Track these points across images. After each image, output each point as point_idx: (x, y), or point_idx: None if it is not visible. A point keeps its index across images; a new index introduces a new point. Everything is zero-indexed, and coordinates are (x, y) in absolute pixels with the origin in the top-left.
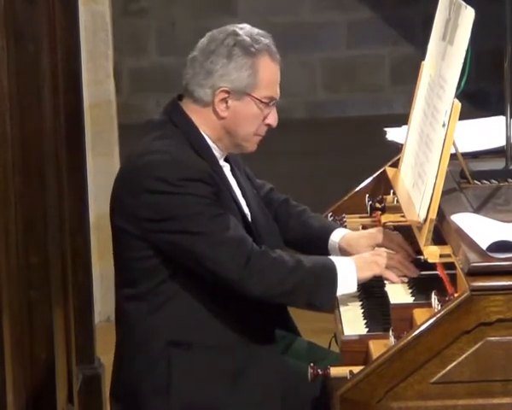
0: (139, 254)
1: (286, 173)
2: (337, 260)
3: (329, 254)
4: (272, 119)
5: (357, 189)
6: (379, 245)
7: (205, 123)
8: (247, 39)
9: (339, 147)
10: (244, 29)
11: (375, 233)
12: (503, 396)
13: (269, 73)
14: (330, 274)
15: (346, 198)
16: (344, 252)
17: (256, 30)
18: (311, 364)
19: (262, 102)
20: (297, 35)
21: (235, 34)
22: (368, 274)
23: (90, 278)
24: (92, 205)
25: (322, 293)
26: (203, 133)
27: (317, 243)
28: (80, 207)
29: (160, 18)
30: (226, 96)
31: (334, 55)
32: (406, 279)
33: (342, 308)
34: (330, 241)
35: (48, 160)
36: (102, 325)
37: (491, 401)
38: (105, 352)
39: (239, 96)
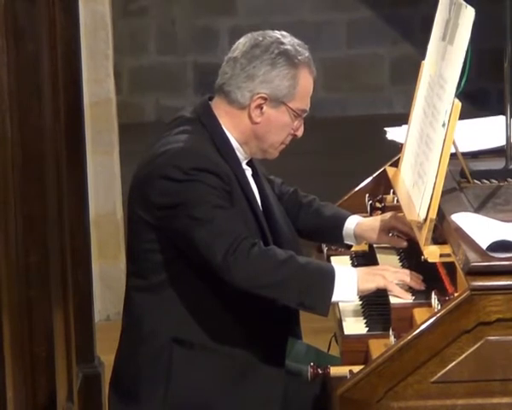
0: (152, 245)
1: (285, 172)
2: (339, 266)
3: (344, 242)
4: (300, 130)
5: (357, 188)
6: (393, 228)
7: (234, 125)
8: (292, 50)
9: (339, 146)
10: (286, 38)
11: (389, 218)
12: (503, 396)
13: (306, 85)
14: (326, 277)
15: (346, 198)
16: (359, 238)
17: (297, 40)
18: (311, 363)
19: (296, 113)
20: (296, 35)
21: (280, 43)
22: (371, 286)
23: (90, 276)
24: (92, 204)
25: (314, 294)
26: (229, 135)
27: (331, 231)
28: (80, 206)
29: (160, 17)
30: (263, 102)
31: (333, 55)
32: (412, 297)
33: (342, 308)
34: (345, 228)
35: (48, 159)
36: (102, 323)
37: (490, 401)
38: (105, 351)
39: (275, 105)
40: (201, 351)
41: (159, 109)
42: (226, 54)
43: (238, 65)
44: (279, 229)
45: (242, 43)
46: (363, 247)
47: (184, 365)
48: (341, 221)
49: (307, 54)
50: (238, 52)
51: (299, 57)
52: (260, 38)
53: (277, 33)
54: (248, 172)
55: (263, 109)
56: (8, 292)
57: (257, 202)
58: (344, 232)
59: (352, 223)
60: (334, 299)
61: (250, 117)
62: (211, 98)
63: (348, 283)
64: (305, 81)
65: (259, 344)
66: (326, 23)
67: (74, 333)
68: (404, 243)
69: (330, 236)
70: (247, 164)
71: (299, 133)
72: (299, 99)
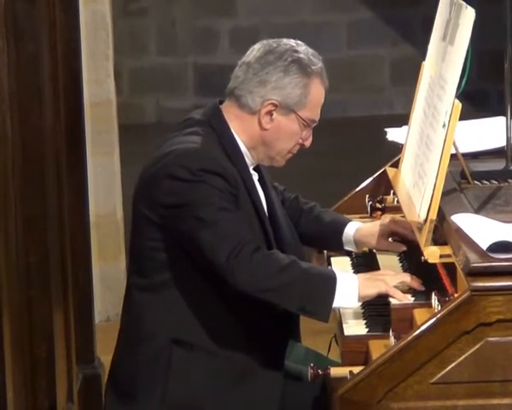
0: (156, 244)
1: (286, 173)
2: (340, 272)
3: (343, 248)
4: (308, 140)
5: (358, 189)
6: (393, 233)
7: (244, 129)
8: (305, 59)
9: (339, 147)
10: (301, 46)
11: (388, 223)
12: (503, 397)
13: (318, 95)
14: (327, 283)
15: (346, 198)
16: (359, 243)
17: (311, 50)
18: (311, 364)
19: (305, 122)
20: (297, 35)
21: (295, 51)
22: (372, 291)
23: (90, 277)
24: (92, 204)
25: (315, 299)
26: (238, 139)
27: (331, 237)
28: (80, 207)
29: (160, 18)
30: (273, 108)
31: (334, 56)
32: (412, 298)
33: (342, 309)
34: (345, 234)
35: (48, 159)
36: (102, 324)
37: (490, 402)
38: (105, 352)
39: (286, 112)
40: (200, 353)
41: (159, 110)
42: (226, 55)
43: (251, 70)
44: (282, 234)
45: (257, 48)
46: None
47: (183, 366)
48: (341, 228)
49: (320, 64)
50: (252, 57)
51: (313, 67)
52: (275, 45)
53: (292, 41)
54: (255, 177)
55: (273, 116)
56: (8, 292)
57: (262, 206)
58: (344, 238)
59: (352, 229)
60: (335, 305)
61: (260, 123)
62: (221, 102)
63: (349, 289)
64: (317, 91)
65: (259, 347)
66: (326, 24)
67: (74, 334)
68: (403, 248)
69: (330, 242)
70: (254, 169)
71: (308, 143)
72: (310, 108)
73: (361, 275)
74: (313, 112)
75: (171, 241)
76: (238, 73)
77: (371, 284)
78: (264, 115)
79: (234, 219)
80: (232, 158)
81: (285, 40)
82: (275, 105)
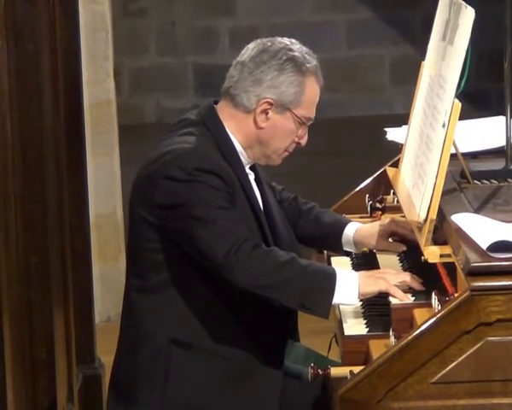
0: (153, 245)
1: (286, 173)
2: (340, 269)
3: (343, 249)
4: (304, 138)
5: (358, 189)
6: (393, 233)
7: (239, 129)
8: (300, 57)
9: (339, 147)
10: (295, 45)
11: (388, 223)
12: (503, 396)
13: (313, 94)
14: (327, 279)
15: (346, 198)
16: (358, 244)
17: (305, 48)
18: (312, 364)
19: (300, 120)
20: (297, 35)
21: (289, 49)
22: (373, 289)
23: (90, 277)
24: (92, 205)
25: (315, 295)
26: (233, 138)
27: (331, 238)
28: (80, 207)
29: (160, 18)
30: (269, 107)
31: (334, 56)
32: (412, 299)
33: (342, 308)
34: (344, 234)
35: (48, 160)
36: (102, 325)
37: (490, 401)
38: (105, 352)
39: (281, 110)
40: (200, 353)
41: (159, 110)
42: (226, 55)
43: (246, 69)
44: (278, 232)
45: (251, 47)
46: None
47: (182, 366)
48: (340, 228)
49: (315, 62)
50: (246, 56)
51: (307, 65)
52: (269, 44)
53: (286, 40)
54: (251, 176)
55: (268, 115)
56: (9, 293)
57: (259, 205)
58: (343, 239)
59: (351, 230)
60: (334, 301)
61: (255, 122)
62: (216, 102)
63: (349, 286)
64: (312, 89)
65: (258, 347)
66: (326, 24)
67: (75, 334)
68: (403, 248)
69: (329, 243)
70: (250, 169)
71: (303, 142)
72: (305, 106)
73: (362, 272)
74: (309, 110)
75: (168, 242)
76: (233, 73)
77: (372, 282)
78: (259, 114)
79: (231, 217)
80: (227, 157)
81: (279, 39)
82: (270, 104)
